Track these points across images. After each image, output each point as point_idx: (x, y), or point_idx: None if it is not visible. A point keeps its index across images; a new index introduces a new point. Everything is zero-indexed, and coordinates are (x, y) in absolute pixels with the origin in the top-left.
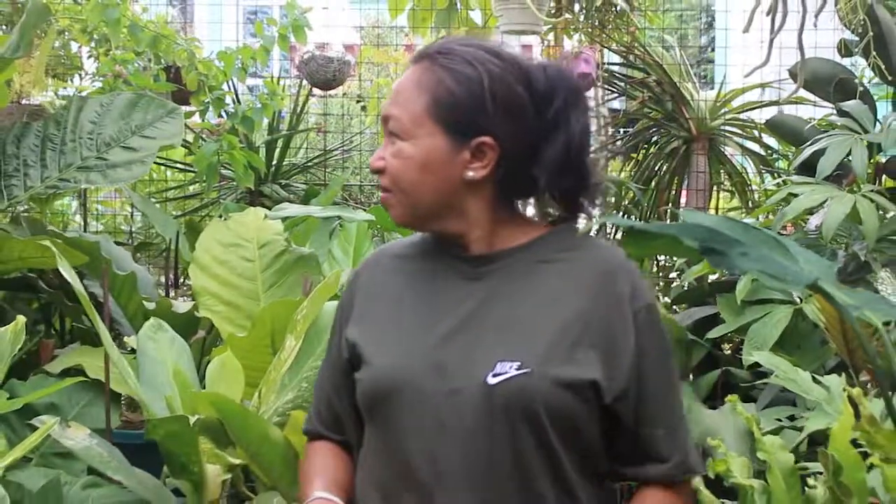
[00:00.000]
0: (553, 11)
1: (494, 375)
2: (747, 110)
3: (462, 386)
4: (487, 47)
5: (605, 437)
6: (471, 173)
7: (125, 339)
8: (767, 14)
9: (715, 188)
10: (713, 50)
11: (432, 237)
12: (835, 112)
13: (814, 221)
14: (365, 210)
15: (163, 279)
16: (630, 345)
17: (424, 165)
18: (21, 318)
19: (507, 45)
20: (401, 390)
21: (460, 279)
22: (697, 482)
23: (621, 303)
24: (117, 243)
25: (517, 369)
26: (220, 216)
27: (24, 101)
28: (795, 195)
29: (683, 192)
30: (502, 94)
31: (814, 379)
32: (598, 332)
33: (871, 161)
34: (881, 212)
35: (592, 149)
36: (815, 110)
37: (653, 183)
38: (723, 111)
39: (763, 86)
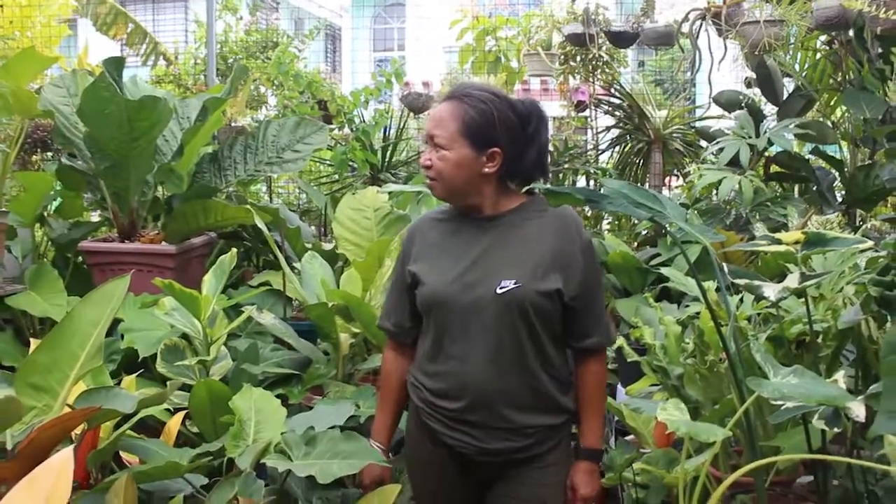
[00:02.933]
0: (561, 62)
1: (500, 288)
2: (687, 122)
3: (481, 296)
4: (491, 90)
5: (564, 322)
6: (486, 170)
7: (294, 265)
8: (688, 65)
9: (668, 173)
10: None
11: (456, 207)
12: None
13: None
14: None
15: (316, 231)
16: (579, 265)
17: (459, 165)
18: (234, 250)
19: (500, 88)
20: (444, 300)
21: (477, 231)
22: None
23: (573, 241)
24: (291, 210)
25: (514, 284)
26: (352, 193)
27: (232, 124)
28: (703, 175)
29: (648, 176)
30: (503, 120)
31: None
32: (560, 259)
33: (764, 154)
34: (756, 186)
35: (582, 150)
36: (730, 122)
37: (627, 170)
38: (672, 124)
39: (694, 108)
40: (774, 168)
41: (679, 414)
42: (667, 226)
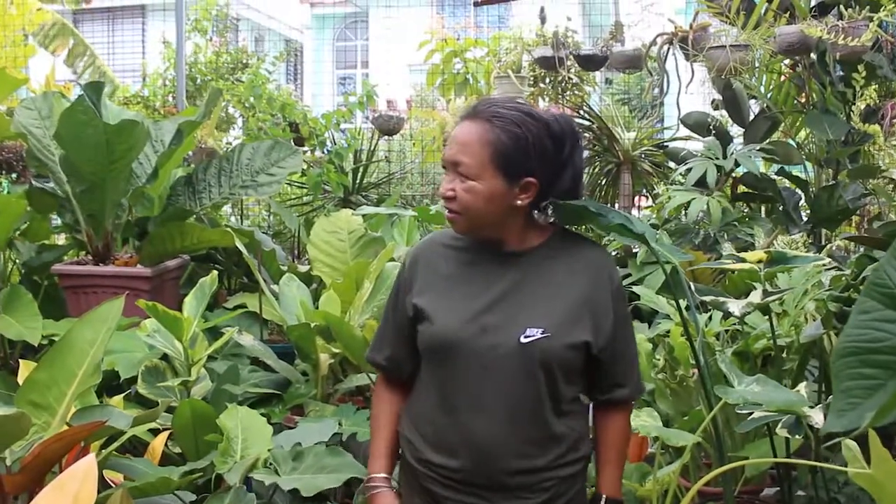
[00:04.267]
0: (531, 84)
1: (525, 337)
2: (656, 144)
3: (500, 342)
4: (525, 110)
5: (589, 373)
6: (518, 202)
7: (271, 287)
8: (656, 88)
9: (637, 194)
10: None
11: (467, 237)
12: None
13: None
14: (412, 209)
15: (288, 254)
16: (610, 314)
17: (490, 199)
18: (215, 272)
19: (530, 104)
20: (455, 344)
21: (497, 266)
22: None
23: (605, 286)
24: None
25: (541, 333)
26: (325, 215)
27: (201, 146)
28: (673, 197)
29: (617, 197)
30: (538, 146)
31: (668, 302)
32: (591, 306)
33: (732, 175)
34: (724, 207)
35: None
36: (699, 144)
37: (597, 191)
38: (641, 145)
39: (663, 129)
40: (742, 188)
41: (651, 420)
42: (640, 245)
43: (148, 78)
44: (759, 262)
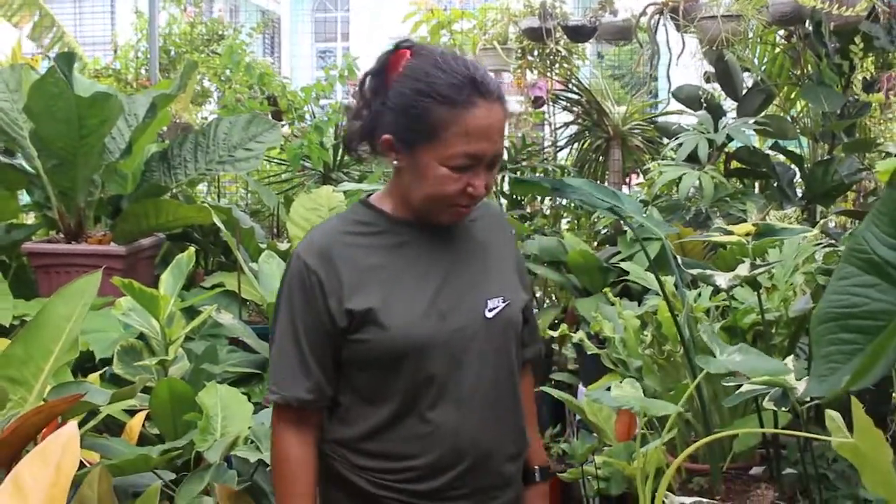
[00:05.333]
0: (518, 56)
1: (490, 311)
2: (647, 119)
3: (465, 324)
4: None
5: None
6: None
7: (250, 265)
8: (650, 59)
9: (630, 171)
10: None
11: (377, 216)
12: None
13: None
14: None
15: (267, 232)
16: (524, 266)
17: None
18: (192, 249)
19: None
20: (419, 342)
21: (430, 242)
22: None
23: (512, 238)
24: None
25: (503, 302)
26: (305, 192)
27: (177, 121)
28: (663, 172)
29: (607, 173)
30: None
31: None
32: (516, 262)
33: (724, 150)
34: (717, 182)
35: (541, 146)
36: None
37: (586, 167)
38: (631, 120)
39: (654, 104)
40: (735, 164)
41: (633, 391)
42: (625, 220)
43: (119, 50)
44: (747, 234)
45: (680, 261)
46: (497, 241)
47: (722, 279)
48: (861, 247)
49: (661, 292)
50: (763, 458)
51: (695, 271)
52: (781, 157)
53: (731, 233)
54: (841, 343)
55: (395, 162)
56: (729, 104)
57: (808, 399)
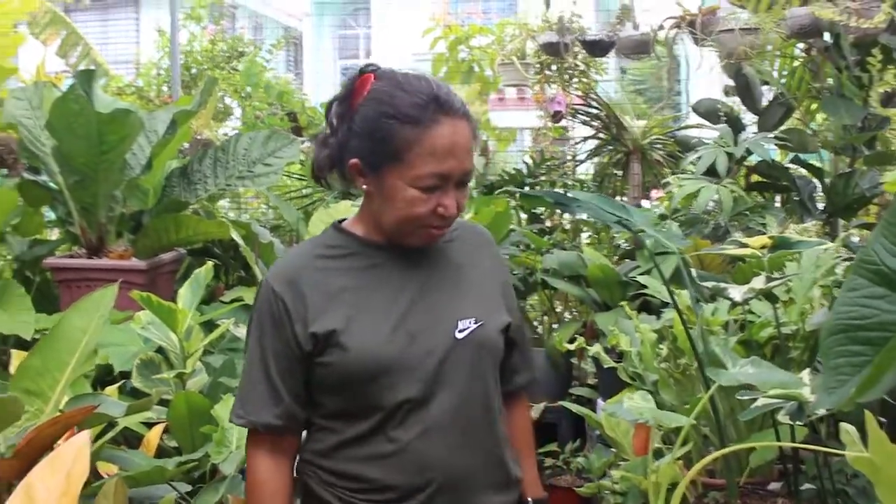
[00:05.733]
0: (537, 71)
1: (460, 331)
2: (666, 133)
3: (434, 346)
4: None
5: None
6: None
7: None
8: (664, 74)
9: (652, 186)
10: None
11: (348, 240)
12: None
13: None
14: None
15: (287, 247)
16: (510, 288)
17: None
18: (210, 263)
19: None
20: (386, 363)
21: (402, 263)
22: None
23: (498, 260)
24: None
25: (474, 323)
26: (324, 207)
27: (198, 137)
28: (681, 186)
29: (627, 187)
30: None
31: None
32: (498, 283)
33: (744, 164)
34: (736, 196)
35: (560, 161)
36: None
37: (606, 181)
38: (651, 134)
39: (675, 117)
40: (756, 178)
41: (644, 403)
42: (635, 233)
43: (142, 67)
44: (763, 247)
45: (695, 274)
46: (475, 262)
47: (736, 292)
48: (870, 258)
49: (673, 305)
50: (782, 473)
51: (709, 284)
52: (803, 171)
53: (746, 245)
54: (850, 355)
55: (363, 186)
56: (750, 118)
57: (822, 412)
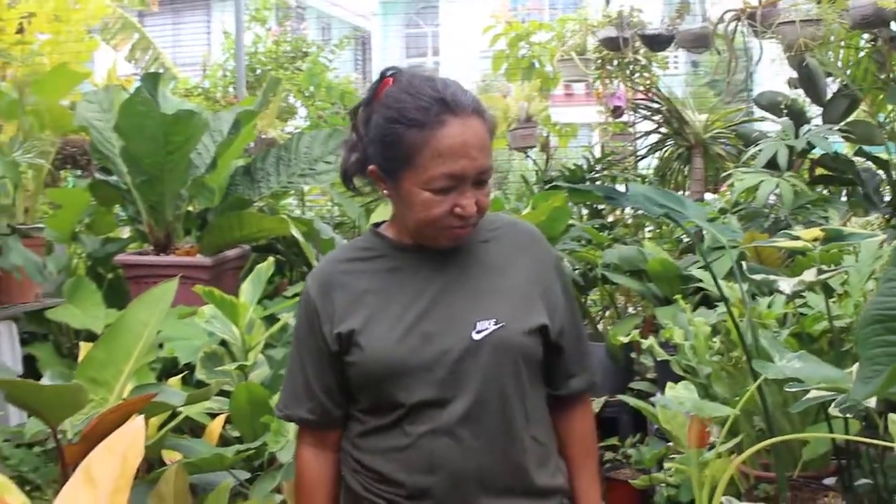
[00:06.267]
0: (598, 66)
1: (478, 332)
2: (728, 126)
3: (450, 346)
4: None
5: (546, 365)
6: None
7: None
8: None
9: (711, 179)
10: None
11: (378, 242)
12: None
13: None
14: None
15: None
16: (559, 291)
17: None
18: (271, 258)
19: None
20: (395, 364)
21: (429, 265)
22: None
23: (548, 262)
24: (323, 223)
25: (494, 324)
26: (385, 203)
27: (262, 136)
28: (741, 179)
29: (688, 182)
30: None
31: (727, 286)
32: (539, 286)
33: (810, 157)
34: (797, 189)
35: (621, 156)
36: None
37: (668, 176)
38: (713, 128)
39: (737, 111)
40: (820, 171)
41: (686, 393)
42: (681, 225)
43: (208, 69)
44: (815, 240)
45: (745, 267)
46: (512, 261)
47: (786, 285)
48: None
49: (722, 298)
50: (838, 468)
51: (758, 276)
52: (869, 164)
53: (797, 238)
54: (886, 345)
55: (384, 192)
56: (816, 110)
57: (870, 405)
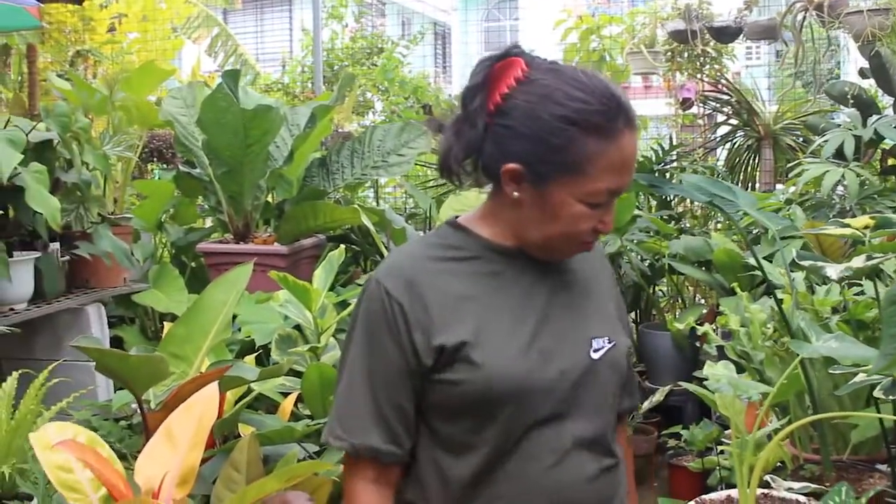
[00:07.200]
0: (668, 58)
1: (595, 351)
2: (799, 117)
3: (569, 367)
4: None
5: None
6: None
7: None
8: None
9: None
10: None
11: (468, 240)
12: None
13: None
14: None
15: (421, 233)
16: (625, 310)
17: None
18: (342, 247)
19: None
20: (520, 384)
21: (526, 272)
22: None
23: (612, 277)
24: (397, 214)
25: (608, 342)
26: (455, 194)
27: (339, 130)
28: (807, 170)
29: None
30: None
31: (779, 273)
32: (615, 303)
33: (880, 147)
34: (863, 179)
35: (690, 148)
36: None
37: (737, 168)
38: (783, 119)
39: (806, 101)
40: (892, 161)
41: (724, 371)
42: (726, 214)
43: (287, 65)
44: (865, 228)
45: (795, 255)
46: (597, 276)
47: (833, 271)
48: None
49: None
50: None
51: (806, 263)
52: None
53: (847, 226)
54: None
55: (515, 194)
56: (889, 100)
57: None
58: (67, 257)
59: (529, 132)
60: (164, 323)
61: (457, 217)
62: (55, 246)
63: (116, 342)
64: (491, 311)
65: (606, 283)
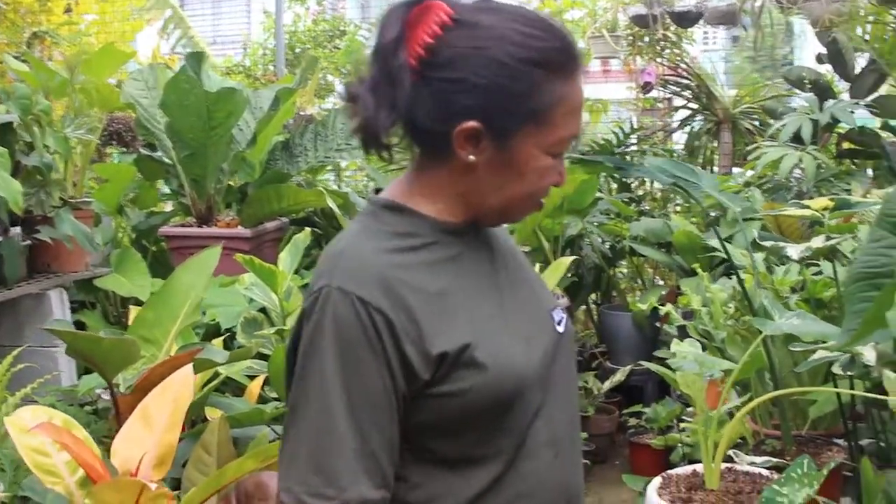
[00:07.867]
0: (629, 43)
1: (558, 324)
2: (757, 101)
3: (548, 346)
4: None
5: None
6: None
7: None
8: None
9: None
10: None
11: (417, 224)
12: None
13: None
14: None
15: None
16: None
17: None
18: (308, 229)
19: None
20: (526, 379)
21: (482, 255)
22: None
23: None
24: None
25: (562, 311)
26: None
27: (301, 113)
28: (765, 153)
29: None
30: None
31: (740, 254)
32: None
33: (837, 131)
34: (820, 163)
35: (650, 131)
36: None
37: (696, 151)
38: (742, 103)
39: (764, 86)
40: (847, 144)
41: (690, 348)
42: (690, 195)
43: (248, 48)
44: (824, 209)
45: (757, 236)
46: (510, 242)
47: (793, 251)
48: (891, 211)
49: (730, 264)
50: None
51: (767, 243)
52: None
53: (807, 207)
54: (871, 301)
55: (471, 158)
56: (845, 85)
57: (866, 364)
58: (29, 241)
59: (486, 81)
60: (130, 307)
61: (379, 193)
62: (16, 230)
63: (79, 327)
64: (470, 302)
65: (517, 247)
